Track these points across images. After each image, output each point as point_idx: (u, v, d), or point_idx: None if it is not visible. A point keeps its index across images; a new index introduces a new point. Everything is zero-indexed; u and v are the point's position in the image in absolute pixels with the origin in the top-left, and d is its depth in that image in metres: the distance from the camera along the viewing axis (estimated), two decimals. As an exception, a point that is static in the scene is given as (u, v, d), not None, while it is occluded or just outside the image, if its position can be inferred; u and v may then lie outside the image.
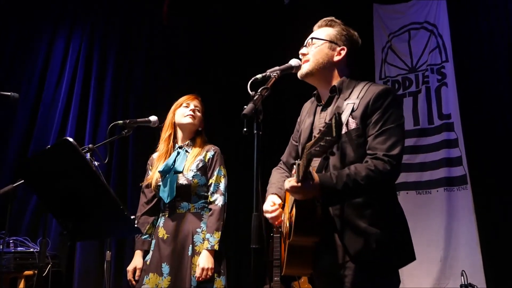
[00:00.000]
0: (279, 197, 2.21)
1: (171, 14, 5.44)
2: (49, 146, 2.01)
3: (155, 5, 5.45)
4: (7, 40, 4.71)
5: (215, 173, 2.98)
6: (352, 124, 1.93)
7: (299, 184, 1.77)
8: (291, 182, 1.80)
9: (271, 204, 2.12)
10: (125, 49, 5.35)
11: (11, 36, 4.74)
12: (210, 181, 2.97)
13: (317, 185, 1.79)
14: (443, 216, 4.64)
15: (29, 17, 4.87)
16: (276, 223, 2.13)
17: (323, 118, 2.09)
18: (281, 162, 2.43)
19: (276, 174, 2.37)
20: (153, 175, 3.01)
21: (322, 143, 1.58)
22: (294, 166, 1.94)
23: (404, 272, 1.98)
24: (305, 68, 2.10)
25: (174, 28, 5.60)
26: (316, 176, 1.80)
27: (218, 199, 2.92)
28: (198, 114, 3.09)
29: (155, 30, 5.55)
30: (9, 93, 2.98)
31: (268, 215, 2.11)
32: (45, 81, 4.84)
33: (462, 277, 4.11)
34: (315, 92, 2.21)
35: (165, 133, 3.07)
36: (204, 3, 5.64)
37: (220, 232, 2.84)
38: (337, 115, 1.55)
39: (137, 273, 2.93)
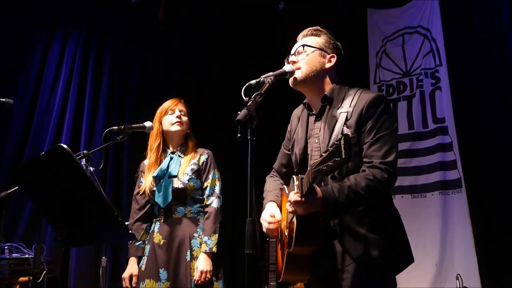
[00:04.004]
0: (277, 205, 2.21)
1: (166, 18, 5.46)
2: (43, 153, 2.01)
3: (150, 9, 5.46)
4: (2, 44, 4.71)
5: (210, 176, 3.00)
6: (347, 133, 1.94)
7: (303, 199, 1.78)
8: (294, 196, 1.81)
9: (270, 214, 2.11)
10: (120, 54, 5.36)
11: (6, 40, 4.74)
12: (206, 184, 3.00)
13: (320, 199, 1.80)
14: (438, 219, 4.64)
15: (24, 22, 4.86)
16: (271, 234, 2.13)
17: (317, 128, 2.10)
18: (273, 170, 2.44)
19: (272, 181, 2.37)
20: (146, 181, 3.01)
21: (330, 163, 1.58)
22: (294, 179, 1.94)
23: (400, 276, 1.99)
24: (298, 76, 2.10)
25: (170, 33, 5.61)
26: (319, 191, 1.82)
27: (214, 202, 2.95)
28: (185, 118, 3.09)
29: (150, 34, 5.56)
30: (4, 99, 2.98)
31: (265, 225, 2.09)
32: (41, 86, 4.84)
33: (458, 280, 4.12)
34: (305, 101, 2.22)
35: (154, 142, 3.07)
36: (199, 8, 5.66)
37: (217, 235, 2.86)
38: (346, 136, 1.56)
39: (134, 280, 2.92)
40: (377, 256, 1.87)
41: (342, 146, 1.54)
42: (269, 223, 2.08)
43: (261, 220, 2.13)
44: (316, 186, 1.82)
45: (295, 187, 1.87)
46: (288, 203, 1.86)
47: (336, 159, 1.55)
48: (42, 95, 4.83)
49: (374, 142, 1.92)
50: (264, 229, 2.12)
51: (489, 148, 4.43)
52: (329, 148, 1.60)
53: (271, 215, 2.10)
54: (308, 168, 1.75)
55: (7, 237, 3.99)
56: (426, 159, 4.87)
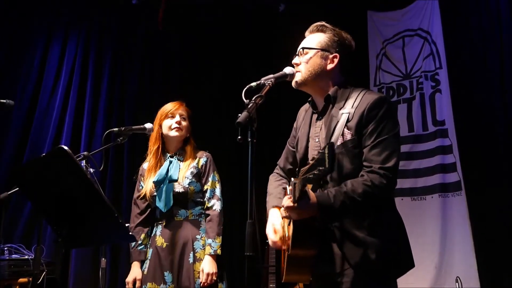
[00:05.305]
0: (279, 209, 2.19)
1: (166, 20, 5.46)
2: (44, 154, 2.02)
3: (150, 10, 5.46)
4: (2, 44, 4.71)
5: (210, 179, 3.01)
6: (348, 135, 1.93)
7: (295, 204, 1.78)
8: (287, 201, 1.81)
9: (273, 230, 2.10)
10: (120, 54, 5.36)
11: (5, 41, 4.74)
12: (206, 187, 3.00)
13: (314, 204, 1.80)
14: (438, 222, 4.64)
15: (24, 22, 4.87)
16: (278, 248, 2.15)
17: (318, 127, 2.10)
18: (277, 167, 2.42)
19: (274, 182, 2.36)
20: (147, 186, 3.00)
21: (315, 172, 1.60)
22: (291, 183, 1.95)
23: (399, 279, 1.99)
24: (298, 79, 2.09)
25: (169, 34, 5.61)
26: (313, 196, 1.81)
27: (216, 205, 2.96)
28: (184, 123, 3.06)
29: (150, 36, 5.56)
30: (4, 100, 2.98)
31: (270, 242, 2.11)
32: (40, 88, 4.84)
33: (457, 283, 4.11)
34: (310, 99, 2.21)
35: (154, 145, 3.06)
36: (199, 9, 5.66)
37: (221, 237, 2.88)
38: (330, 146, 1.56)
39: (137, 284, 2.91)
40: (375, 259, 1.86)
41: (326, 155, 1.54)
42: (273, 242, 2.08)
43: (267, 234, 2.13)
44: (310, 191, 1.81)
45: (289, 191, 1.87)
46: (283, 208, 1.86)
47: (320, 168, 1.57)
48: (42, 96, 4.83)
49: (374, 146, 1.89)
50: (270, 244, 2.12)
51: (489, 150, 4.42)
52: (315, 156, 1.62)
53: (274, 230, 2.10)
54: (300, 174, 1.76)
55: (7, 238, 3.99)
56: (426, 161, 4.87)
